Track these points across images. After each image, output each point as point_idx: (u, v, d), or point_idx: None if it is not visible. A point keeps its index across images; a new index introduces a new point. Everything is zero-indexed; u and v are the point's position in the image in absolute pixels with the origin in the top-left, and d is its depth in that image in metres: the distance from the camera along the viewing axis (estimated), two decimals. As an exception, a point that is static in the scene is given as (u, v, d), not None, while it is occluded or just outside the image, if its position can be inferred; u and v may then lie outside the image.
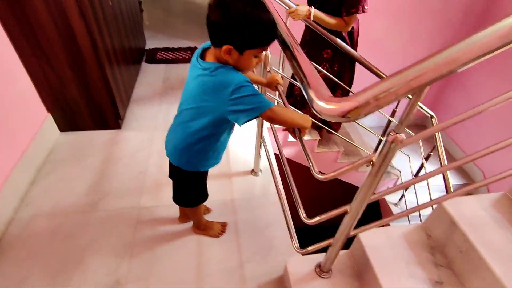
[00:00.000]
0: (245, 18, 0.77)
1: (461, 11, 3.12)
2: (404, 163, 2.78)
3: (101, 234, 1.39)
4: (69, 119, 1.85)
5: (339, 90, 2.24)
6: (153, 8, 3.96)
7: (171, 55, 2.82)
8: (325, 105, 0.61)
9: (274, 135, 1.45)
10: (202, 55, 0.91)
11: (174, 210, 1.48)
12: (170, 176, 1.20)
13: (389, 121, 2.51)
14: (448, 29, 3.23)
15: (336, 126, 2.49)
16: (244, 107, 0.84)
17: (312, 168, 0.85)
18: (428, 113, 2.27)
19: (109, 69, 1.75)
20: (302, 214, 0.99)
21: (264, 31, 0.81)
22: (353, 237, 1.16)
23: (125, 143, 1.88)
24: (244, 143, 1.95)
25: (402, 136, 0.65)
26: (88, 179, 1.64)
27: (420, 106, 2.18)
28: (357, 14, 1.95)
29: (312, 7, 1.71)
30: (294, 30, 2.02)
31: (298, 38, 2.13)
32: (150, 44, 2.95)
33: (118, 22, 1.97)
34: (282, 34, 0.97)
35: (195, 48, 2.95)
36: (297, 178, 1.17)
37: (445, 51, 0.52)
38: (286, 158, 1.19)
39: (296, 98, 2.40)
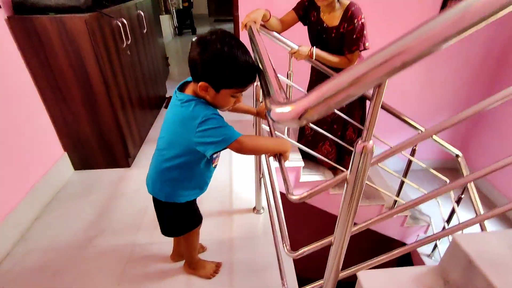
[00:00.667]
0: (222, 58, 0.79)
1: (480, 54, 3.06)
2: (434, 208, 2.52)
3: (90, 270, 1.33)
4: (82, 157, 1.94)
5: (350, 128, 2.17)
6: (179, 63, 4.33)
7: (188, 101, 2.97)
8: (279, 109, 0.56)
9: (284, 176, 1.38)
10: (183, 88, 0.93)
11: (168, 247, 1.40)
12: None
13: (409, 162, 2.35)
14: (467, 72, 3.15)
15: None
16: (211, 139, 0.84)
17: (286, 190, 0.77)
18: (452, 152, 2.11)
19: (122, 111, 1.86)
20: (286, 247, 0.88)
21: (240, 72, 0.82)
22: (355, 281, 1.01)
23: (131, 180, 1.90)
24: (248, 180, 1.88)
25: (371, 144, 0.57)
26: (88, 215, 1.64)
27: (443, 145, 2.04)
28: (362, 52, 1.97)
29: (314, 47, 1.76)
30: (299, 72, 2.07)
31: (304, 80, 2.18)
32: (170, 92, 3.16)
33: (136, 71, 2.15)
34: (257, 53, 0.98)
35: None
36: (313, 221, 1.07)
37: (397, 41, 0.47)
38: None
39: (307, 138, 2.35)
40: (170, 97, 3.09)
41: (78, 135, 1.84)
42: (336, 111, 1.98)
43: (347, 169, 2.34)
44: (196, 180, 1.04)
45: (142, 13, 2.24)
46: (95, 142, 1.88)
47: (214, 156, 1.00)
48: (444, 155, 3.66)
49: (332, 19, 1.74)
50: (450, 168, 3.52)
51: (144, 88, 2.33)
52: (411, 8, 2.75)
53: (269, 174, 1.24)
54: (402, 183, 2.47)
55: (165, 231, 1.17)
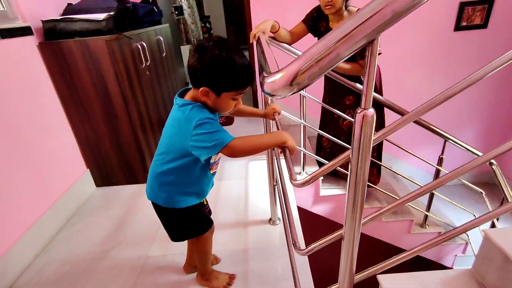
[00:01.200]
0: (220, 62, 0.82)
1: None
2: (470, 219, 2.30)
3: (104, 281, 1.32)
4: (103, 174, 2.00)
5: (369, 137, 2.09)
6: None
7: (207, 121, 3.03)
8: (270, 79, 0.55)
9: (288, 165, 1.34)
10: (183, 95, 0.95)
11: (181, 259, 1.37)
12: None
13: (437, 172, 2.20)
14: (489, 77, 2.99)
15: (373, 178, 2.25)
16: (205, 144, 0.85)
17: (290, 176, 0.73)
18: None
19: (140, 127, 1.93)
20: (296, 245, 0.82)
21: (239, 75, 0.85)
22: None
23: (149, 195, 1.92)
24: (264, 191, 1.84)
25: (371, 112, 0.54)
26: (106, 229, 1.65)
27: (471, 151, 1.90)
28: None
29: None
30: (313, 90, 2.07)
31: (317, 90, 2.16)
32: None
33: (155, 90, 2.25)
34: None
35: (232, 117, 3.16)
36: (365, 251, 0.99)
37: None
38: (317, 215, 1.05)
39: (325, 150, 2.29)
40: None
41: (99, 152, 1.92)
42: (352, 119, 1.93)
43: (370, 181, 2.25)
44: (193, 185, 1.03)
45: (161, 38, 2.38)
46: (115, 159, 1.95)
47: (211, 161, 1.01)
48: (476, 168, 3.40)
49: (341, 27, 1.75)
50: (482, 182, 3.26)
51: (163, 107, 2.42)
52: (426, 26, 2.72)
53: (281, 182, 1.19)
54: (431, 196, 2.31)
55: (172, 236, 1.15)
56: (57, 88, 1.71)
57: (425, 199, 2.61)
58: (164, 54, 2.46)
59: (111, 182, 2.03)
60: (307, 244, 0.84)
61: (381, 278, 0.86)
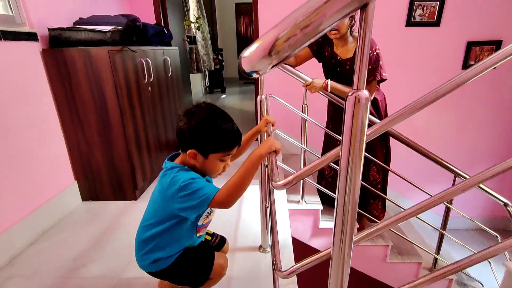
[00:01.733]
0: (207, 125, 0.86)
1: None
2: (484, 271, 2.08)
3: (65, 303, 1.17)
4: (91, 188, 1.91)
5: (373, 168, 1.98)
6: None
7: (207, 145, 2.97)
8: (247, 52, 0.48)
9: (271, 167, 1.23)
10: (173, 159, 0.97)
11: (155, 283, 1.22)
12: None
13: (447, 211, 2.05)
14: (502, 116, 2.92)
15: (377, 213, 2.10)
16: (191, 203, 0.85)
17: (271, 178, 0.64)
18: (501, 200, 1.82)
19: (135, 143, 1.88)
20: (279, 266, 0.69)
21: (226, 137, 0.88)
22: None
23: (136, 213, 1.80)
24: (257, 217, 1.70)
25: (365, 94, 0.45)
26: (83, 245, 1.52)
27: (492, 194, 1.76)
28: (381, 88, 1.91)
29: (328, 79, 1.73)
30: (315, 106, 2.01)
31: (319, 114, 2.11)
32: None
33: (156, 108, 2.22)
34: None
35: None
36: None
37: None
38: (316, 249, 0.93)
39: (327, 180, 2.17)
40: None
41: (90, 165, 1.85)
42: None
43: (372, 215, 2.08)
44: (176, 246, 0.99)
45: (168, 58, 2.42)
46: (106, 172, 1.87)
47: (199, 223, 0.99)
48: (488, 211, 3.20)
49: (346, 52, 1.73)
50: (497, 228, 3.02)
51: (163, 127, 2.38)
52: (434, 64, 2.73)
53: (270, 207, 1.08)
54: (441, 238, 2.12)
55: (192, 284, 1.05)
56: (55, 95, 1.70)
57: (433, 242, 2.41)
58: (169, 74, 2.48)
59: (98, 197, 1.93)
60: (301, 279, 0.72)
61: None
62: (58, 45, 1.65)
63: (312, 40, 0.45)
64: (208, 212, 1.00)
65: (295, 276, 1.28)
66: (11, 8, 1.50)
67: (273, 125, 1.08)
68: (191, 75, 4.60)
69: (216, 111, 0.89)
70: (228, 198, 0.83)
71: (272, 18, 1.73)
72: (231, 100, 5.56)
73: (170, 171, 0.89)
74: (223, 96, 6.03)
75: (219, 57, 6.07)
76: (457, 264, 0.72)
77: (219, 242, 1.19)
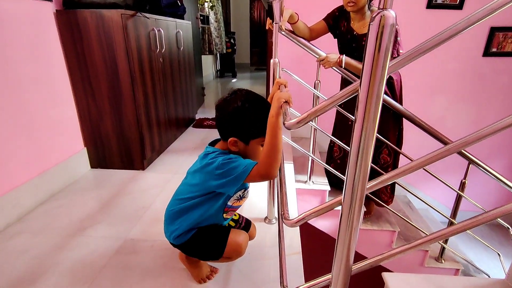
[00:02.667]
0: (244, 112, 0.88)
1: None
2: (492, 262, 2.03)
3: (71, 259, 1.18)
4: (100, 156, 1.92)
5: (385, 150, 1.93)
6: (215, 98, 4.50)
7: (216, 124, 2.96)
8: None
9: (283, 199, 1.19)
10: (213, 144, 1.01)
11: (161, 246, 1.23)
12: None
13: (458, 198, 1.99)
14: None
15: (386, 197, 2.06)
16: (229, 177, 0.87)
17: (282, 214, 0.61)
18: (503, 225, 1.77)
19: (144, 112, 1.86)
20: (287, 215, 0.67)
21: (263, 122, 0.86)
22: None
23: (142, 181, 1.81)
24: (264, 188, 1.69)
25: (391, 14, 0.42)
26: (89, 208, 1.53)
27: (499, 178, 1.70)
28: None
29: (343, 55, 1.67)
30: (328, 82, 1.95)
31: (333, 92, 2.05)
32: (202, 115, 3.20)
33: (166, 80, 2.20)
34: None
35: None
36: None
37: None
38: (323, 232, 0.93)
39: (335, 161, 2.14)
40: (200, 118, 3.15)
41: (99, 131, 1.85)
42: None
43: (380, 199, 2.03)
44: (203, 222, 1.00)
45: (181, 32, 2.38)
46: (114, 140, 1.87)
47: (229, 203, 1.00)
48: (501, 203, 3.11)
49: (362, 26, 1.67)
50: (508, 223, 2.95)
51: (173, 100, 2.36)
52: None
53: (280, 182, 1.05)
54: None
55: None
56: (67, 58, 1.69)
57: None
58: (181, 48, 2.45)
59: (106, 164, 1.94)
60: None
61: (386, 276, 0.69)
62: (72, 6, 1.63)
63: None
64: (240, 195, 1.01)
65: (298, 228, 1.26)
66: (25, -34, 1.48)
67: (285, 86, 1.04)
68: (202, 56, 4.56)
69: (251, 97, 0.91)
70: (267, 167, 0.83)
71: (288, 3, 1.69)
72: (241, 85, 5.51)
73: (210, 154, 0.93)
74: (234, 80, 5.99)
75: (232, 40, 5.99)
76: (442, 232, 0.68)
77: (244, 227, 1.18)
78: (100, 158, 1.92)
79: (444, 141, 1.76)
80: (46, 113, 1.59)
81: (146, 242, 1.28)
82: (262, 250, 1.24)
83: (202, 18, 4.29)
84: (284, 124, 0.63)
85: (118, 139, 1.86)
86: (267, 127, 0.82)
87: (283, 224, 0.63)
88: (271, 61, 1.17)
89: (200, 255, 1.04)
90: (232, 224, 1.16)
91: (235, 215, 1.18)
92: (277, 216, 1.43)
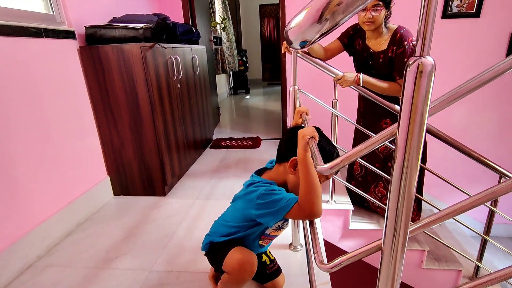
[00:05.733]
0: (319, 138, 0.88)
1: None
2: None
3: (99, 292, 1.19)
4: (123, 183, 1.95)
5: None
6: (230, 116, 4.54)
7: (234, 143, 2.98)
8: (292, 22, 0.44)
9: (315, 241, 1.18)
10: (260, 173, 1.02)
11: (187, 278, 1.22)
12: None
13: (491, 214, 1.89)
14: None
15: (413, 215, 1.98)
16: (268, 210, 0.86)
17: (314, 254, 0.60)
18: None
19: (164, 138, 1.90)
20: (317, 259, 0.65)
21: (331, 153, 0.91)
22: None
23: (165, 207, 1.82)
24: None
25: (429, 61, 0.41)
26: (115, 237, 1.55)
27: None
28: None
29: (361, 73, 1.66)
30: (346, 101, 1.93)
31: (350, 109, 2.03)
32: (218, 136, 3.23)
33: (184, 104, 2.24)
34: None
35: (257, 137, 3.08)
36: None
37: None
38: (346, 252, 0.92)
39: (357, 179, 2.09)
40: (217, 139, 3.18)
41: (121, 159, 1.89)
42: (390, 145, 1.75)
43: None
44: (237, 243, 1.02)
45: (196, 57, 2.44)
46: (136, 167, 1.90)
47: (267, 232, 1.02)
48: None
49: (379, 44, 1.66)
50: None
51: (191, 123, 2.40)
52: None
53: None
54: (483, 244, 1.96)
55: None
56: (90, 90, 1.76)
57: (474, 249, 2.24)
58: (197, 72, 2.50)
59: (129, 192, 1.97)
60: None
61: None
62: (94, 42, 1.70)
63: (370, 1, 0.41)
64: (279, 225, 1.01)
65: (329, 274, 1.22)
66: (51, 8, 1.57)
67: (307, 114, 1.03)
68: (216, 76, 4.65)
69: (321, 132, 0.93)
70: (308, 205, 0.80)
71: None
72: (255, 101, 5.56)
73: (257, 183, 0.93)
74: (248, 97, 6.05)
75: (244, 58, 6.09)
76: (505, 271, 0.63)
77: (274, 271, 1.16)
78: (123, 186, 1.96)
79: (469, 154, 1.69)
80: (72, 145, 1.64)
81: (171, 273, 1.27)
82: (289, 280, 1.21)
83: (215, 40, 4.40)
84: (316, 167, 0.62)
85: (139, 166, 1.90)
86: (298, 165, 0.81)
87: (317, 267, 0.60)
88: (291, 88, 1.18)
89: (211, 261, 1.08)
90: (267, 261, 1.15)
91: (270, 255, 1.18)
92: (302, 243, 1.40)
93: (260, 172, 1.02)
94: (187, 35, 2.34)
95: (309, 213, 0.80)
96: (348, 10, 0.40)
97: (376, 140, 0.56)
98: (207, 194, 1.96)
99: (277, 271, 1.16)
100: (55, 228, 1.52)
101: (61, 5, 1.61)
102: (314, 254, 0.66)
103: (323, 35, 0.43)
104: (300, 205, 0.81)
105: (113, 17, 1.99)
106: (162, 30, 1.92)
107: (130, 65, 1.68)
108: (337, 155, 0.93)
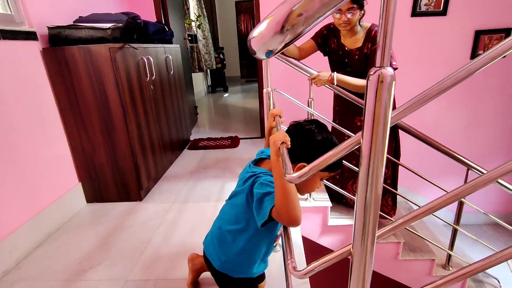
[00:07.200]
0: (328, 144, 0.85)
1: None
2: (501, 268, 2.01)
3: (71, 307, 1.14)
4: (96, 189, 1.88)
5: (383, 162, 1.92)
6: (209, 115, 4.48)
7: (212, 143, 2.94)
8: (254, 31, 0.43)
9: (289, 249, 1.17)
10: (257, 163, 0.95)
11: (164, 285, 1.19)
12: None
13: (460, 205, 1.99)
14: (510, 108, 2.84)
15: (387, 209, 2.05)
16: (258, 213, 0.82)
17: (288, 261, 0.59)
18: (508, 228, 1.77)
19: (138, 140, 1.84)
20: (294, 265, 0.65)
21: (340, 160, 0.83)
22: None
23: (141, 213, 1.77)
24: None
25: (389, 72, 0.41)
26: (88, 247, 1.49)
27: (499, 182, 1.71)
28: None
29: (335, 72, 1.67)
30: (321, 100, 1.95)
31: (326, 108, 2.05)
32: (196, 136, 3.18)
33: (158, 106, 2.19)
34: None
35: (236, 137, 3.06)
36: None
37: None
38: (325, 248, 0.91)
39: (334, 177, 2.12)
40: (195, 139, 3.13)
41: (93, 165, 1.82)
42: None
43: (384, 212, 1.99)
44: (258, 254, 0.96)
45: (170, 57, 2.38)
46: (110, 173, 1.83)
47: (278, 233, 0.96)
48: (502, 206, 3.12)
49: (354, 42, 1.68)
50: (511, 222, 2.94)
51: (167, 125, 2.34)
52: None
53: None
54: (454, 234, 2.06)
55: None
56: (56, 94, 1.67)
57: (446, 238, 2.35)
58: (172, 72, 2.44)
59: (102, 198, 1.90)
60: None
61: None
62: (58, 43, 1.62)
63: (330, 13, 0.41)
64: None
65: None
66: (9, 7, 1.47)
67: (280, 117, 1.03)
68: (193, 74, 4.57)
69: (329, 132, 0.90)
70: (282, 210, 0.75)
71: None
72: (234, 99, 5.52)
73: (258, 174, 0.86)
74: (226, 95, 6.00)
75: (221, 55, 6.03)
76: (477, 265, 0.65)
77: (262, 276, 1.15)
78: (96, 192, 1.88)
79: (439, 148, 1.77)
80: (39, 152, 1.56)
81: (148, 282, 1.24)
82: (268, 282, 1.21)
83: (190, 38, 4.31)
84: (285, 176, 0.61)
85: (113, 171, 1.83)
86: (272, 170, 0.79)
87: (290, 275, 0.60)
88: (264, 90, 1.16)
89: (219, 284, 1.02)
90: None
91: None
92: (281, 243, 1.40)
93: (257, 162, 0.95)
94: (160, 34, 2.27)
95: (287, 219, 0.76)
96: (308, 22, 0.39)
97: (342, 149, 0.56)
98: (185, 197, 1.92)
99: (262, 276, 1.15)
100: (23, 240, 1.44)
101: (20, 4, 1.51)
102: (288, 261, 0.66)
103: (287, 44, 0.42)
104: (277, 210, 0.77)
105: (79, 16, 1.89)
106: (132, 30, 1.86)
107: (98, 67, 1.61)
108: (335, 143, 0.86)
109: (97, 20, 1.79)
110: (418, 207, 0.62)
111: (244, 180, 0.90)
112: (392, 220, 1.95)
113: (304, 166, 0.72)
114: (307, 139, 0.86)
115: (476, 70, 0.63)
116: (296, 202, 0.76)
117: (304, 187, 0.89)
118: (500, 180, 1.66)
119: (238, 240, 0.92)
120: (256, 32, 0.43)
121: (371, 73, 0.42)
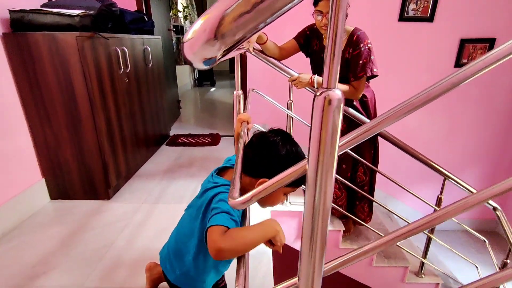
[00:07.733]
0: (293, 159, 0.78)
1: (506, 101, 2.81)
2: (473, 272, 2.03)
3: (16, 317, 1.05)
4: (60, 186, 1.77)
5: (360, 169, 1.89)
6: (194, 109, 4.38)
7: (192, 140, 2.86)
8: (187, 35, 0.36)
9: None
10: (221, 172, 0.88)
11: (120, 294, 1.12)
12: None
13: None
14: (494, 119, 2.87)
15: (364, 216, 2.02)
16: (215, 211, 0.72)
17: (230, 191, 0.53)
18: (490, 204, 1.76)
19: (107, 137, 1.74)
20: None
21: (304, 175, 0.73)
22: None
23: (107, 213, 1.68)
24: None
25: (337, 94, 0.35)
26: (45, 249, 1.40)
27: (473, 192, 1.69)
28: (370, 84, 1.82)
29: (316, 75, 1.62)
30: (301, 102, 1.89)
31: (306, 110, 2.00)
32: (176, 131, 3.09)
33: (133, 100, 2.08)
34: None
35: (217, 134, 2.99)
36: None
37: None
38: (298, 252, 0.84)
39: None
40: (174, 135, 3.03)
41: (58, 160, 1.71)
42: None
43: (360, 218, 1.95)
44: (209, 270, 0.89)
45: (149, 48, 2.27)
46: (75, 169, 1.73)
47: None
48: (476, 213, 3.17)
49: (335, 45, 1.62)
50: (485, 230, 2.99)
51: (142, 120, 2.24)
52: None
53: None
54: (428, 241, 2.06)
55: None
56: (18, 84, 1.55)
57: (421, 244, 2.36)
58: (150, 65, 2.34)
59: (68, 195, 1.79)
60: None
61: None
62: (21, 29, 1.50)
63: (269, 21, 0.34)
64: None
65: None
66: (-36, -14, 1.35)
67: (248, 123, 0.97)
68: (178, 67, 4.43)
69: (295, 143, 0.84)
70: (228, 251, 0.65)
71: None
72: (220, 94, 5.42)
73: (219, 188, 0.78)
74: (212, 89, 5.89)
75: (209, 49, 5.88)
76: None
77: (223, 286, 1.10)
78: (61, 189, 1.78)
79: (417, 157, 1.75)
80: (-5, 145, 1.45)
81: (105, 290, 1.17)
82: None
83: (175, 29, 4.17)
84: (229, 201, 0.55)
85: (79, 167, 1.73)
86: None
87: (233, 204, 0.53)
88: (234, 93, 1.10)
89: None
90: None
91: None
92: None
93: (220, 170, 0.89)
94: (137, 23, 2.16)
95: (217, 255, 0.64)
96: (248, 28, 0.33)
97: (285, 175, 0.51)
98: (156, 197, 1.84)
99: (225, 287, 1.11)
100: (-28, 241, 1.34)
101: (-23, -17, 1.39)
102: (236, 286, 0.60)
103: (229, 50, 0.35)
104: (221, 246, 0.64)
105: (49, 0, 1.77)
106: (106, 18, 1.75)
107: (64, 56, 1.50)
108: (302, 156, 0.81)
109: (67, 6, 1.67)
110: (372, 240, 0.57)
111: (204, 190, 0.83)
112: (367, 227, 1.94)
113: (265, 182, 0.66)
114: (271, 152, 0.79)
115: (459, 83, 0.59)
116: (244, 251, 0.67)
117: (267, 201, 0.83)
118: (471, 189, 1.66)
119: (191, 255, 0.85)
120: (189, 34, 0.36)
121: (317, 94, 0.36)
